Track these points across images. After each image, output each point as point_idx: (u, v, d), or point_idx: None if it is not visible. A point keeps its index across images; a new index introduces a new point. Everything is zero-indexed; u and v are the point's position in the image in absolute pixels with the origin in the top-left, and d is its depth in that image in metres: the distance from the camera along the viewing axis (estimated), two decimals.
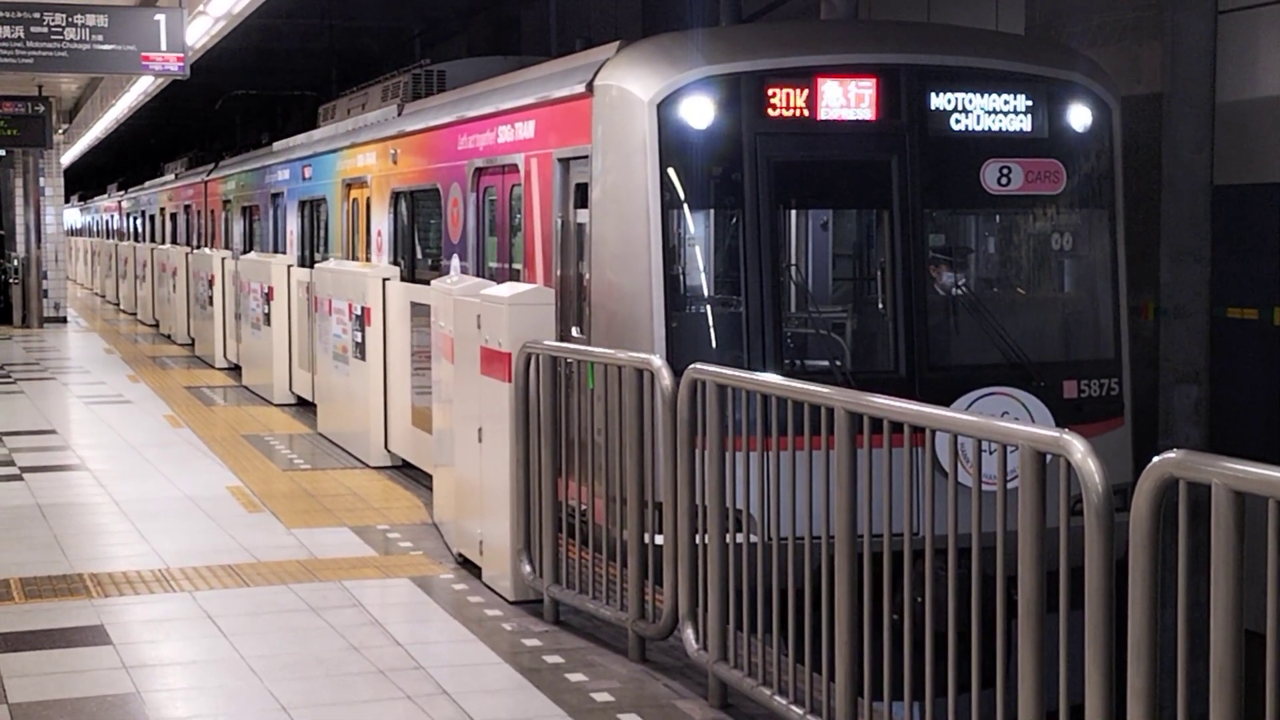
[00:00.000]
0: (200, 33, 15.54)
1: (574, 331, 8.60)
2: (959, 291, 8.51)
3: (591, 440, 6.86)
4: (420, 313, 10.83)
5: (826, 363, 8.11)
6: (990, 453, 4.22)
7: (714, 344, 8.05)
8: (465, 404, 7.98)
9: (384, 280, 11.84)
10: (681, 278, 8.18)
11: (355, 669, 6.37)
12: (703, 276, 8.37)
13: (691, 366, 5.92)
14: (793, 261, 9.03)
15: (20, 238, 28.20)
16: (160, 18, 13.40)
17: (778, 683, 5.37)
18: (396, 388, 11.56)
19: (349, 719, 5.79)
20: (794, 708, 5.25)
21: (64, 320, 28.36)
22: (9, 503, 10.22)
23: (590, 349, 7.54)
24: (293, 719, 5.74)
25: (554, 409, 6.97)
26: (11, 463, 11.95)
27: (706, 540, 5.80)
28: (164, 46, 13.36)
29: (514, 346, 7.20)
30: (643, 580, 6.37)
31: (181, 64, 13.58)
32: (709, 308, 8.25)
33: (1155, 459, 3.43)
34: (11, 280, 27.64)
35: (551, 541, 7.00)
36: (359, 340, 12.12)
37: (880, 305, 8.54)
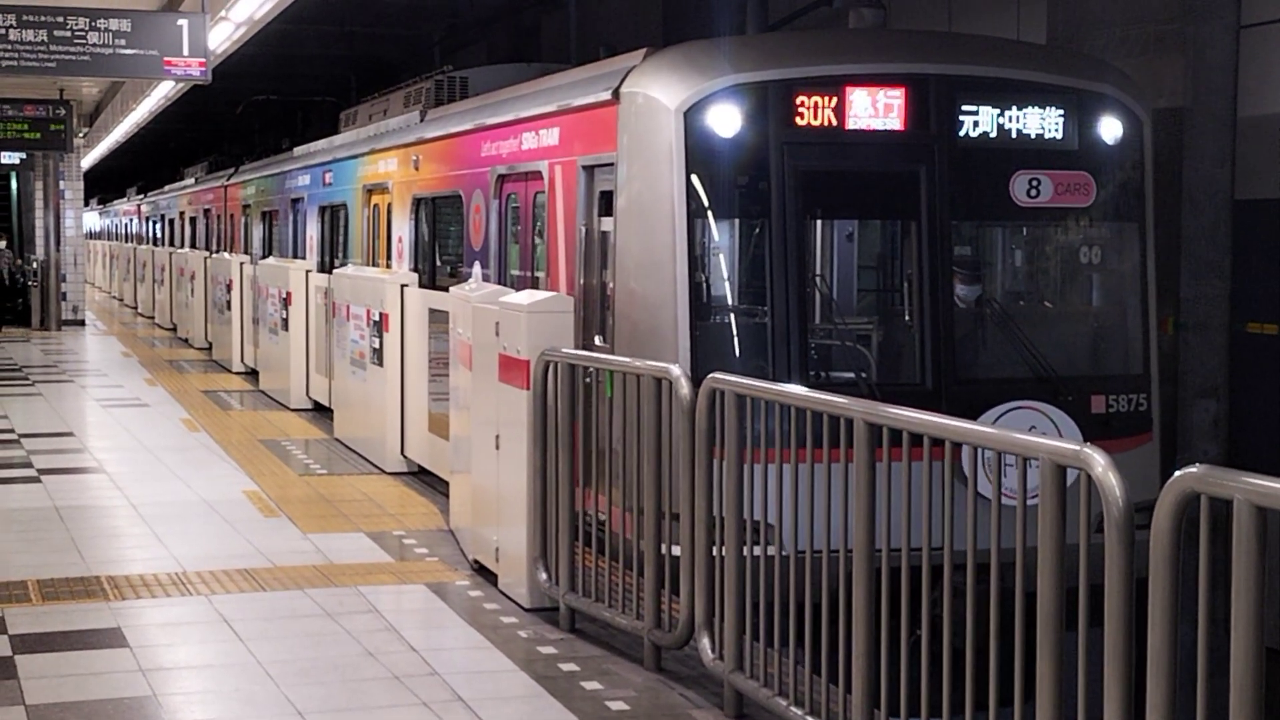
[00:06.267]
0: (222, 38, 15.58)
1: (596, 340, 8.53)
2: (986, 305, 8.40)
3: (609, 449, 6.85)
4: (438, 319, 10.84)
5: (852, 374, 8.02)
6: (1013, 466, 4.20)
7: (738, 354, 7.96)
8: (483, 411, 7.98)
9: (402, 286, 11.86)
10: (706, 287, 8.08)
11: (370, 674, 6.38)
12: (728, 286, 8.29)
13: (710, 376, 5.92)
14: (818, 272, 8.90)
15: (39, 240, 28.30)
16: (183, 23, 13.42)
17: (794, 693, 5.36)
18: (413, 394, 11.57)
19: None
20: (809, 718, 5.24)
21: (82, 323, 28.45)
22: (27, 504, 10.25)
23: (609, 357, 7.54)
24: None
25: (572, 417, 6.97)
26: (29, 464, 11.98)
27: (724, 552, 5.79)
28: (186, 51, 13.38)
29: (532, 354, 7.21)
30: (659, 589, 6.36)
31: (203, 69, 13.60)
32: (734, 318, 8.17)
33: (1177, 473, 3.42)
34: (30, 283, 27.73)
35: (568, 549, 7.00)
36: (376, 346, 12.14)
37: (907, 317, 8.43)
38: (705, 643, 5.95)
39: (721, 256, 8.29)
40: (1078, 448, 3.89)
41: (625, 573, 6.73)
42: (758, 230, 8.13)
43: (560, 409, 7.01)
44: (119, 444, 13.23)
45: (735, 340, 8.10)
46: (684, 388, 6.05)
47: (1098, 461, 3.78)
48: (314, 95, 27.87)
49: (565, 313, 7.46)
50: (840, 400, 5.15)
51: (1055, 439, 4.10)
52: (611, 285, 8.33)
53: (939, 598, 4.57)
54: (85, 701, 5.96)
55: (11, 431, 13.87)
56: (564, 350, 7.10)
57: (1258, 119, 10.15)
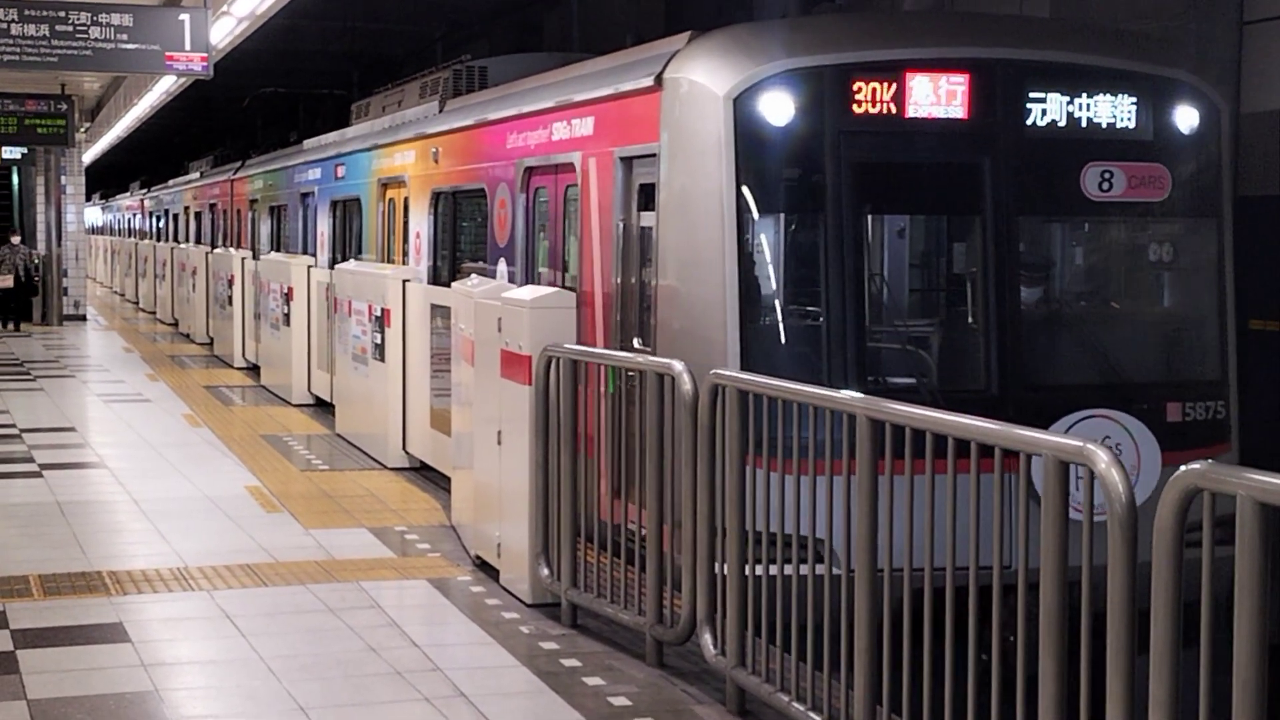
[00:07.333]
0: (223, 33, 15.59)
1: (635, 343, 8.08)
2: (1056, 306, 7.98)
3: (609, 446, 6.83)
4: (440, 315, 10.81)
5: (912, 380, 7.56)
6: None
7: (791, 358, 7.49)
8: (485, 407, 7.98)
9: (404, 282, 11.85)
10: (757, 287, 7.56)
11: (373, 670, 6.38)
12: (780, 286, 7.76)
13: (712, 371, 5.90)
14: (877, 271, 8.22)
15: (41, 236, 28.30)
16: (185, 17, 13.44)
17: (795, 689, 5.36)
18: (415, 390, 11.57)
19: None
20: (812, 714, 5.24)
21: (83, 318, 28.47)
22: (29, 499, 10.25)
23: (611, 353, 7.53)
24: (310, 719, 5.74)
25: (574, 412, 6.97)
26: (31, 460, 11.99)
27: (739, 559, 5.76)
28: (188, 46, 13.40)
29: (534, 350, 7.20)
30: (661, 585, 6.36)
31: (205, 64, 13.61)
32: (787, 320, 7.69)
33: (1180, 470, 3.42)
34: (34, 278, 27.72)
35: (569, 545, 6.99)
36: (378, 342, 12.14)
37: (970, 319, 7.93)
38: (707, 638, 5.95)
39: (773, 254, 7.72)
40: (1080, 444, 3.89)
41: (627, 569, 6.72)
42: (812, 226, 7.65)
43: (562, 404, 7.01)
44: (121, 439, 13.23)
45: (788, 343, 7.60)
46: (686, 384, 6.04)
47: (1100, 458, 3.78)
48: (316, 90, 27.82)
49: (568, 308, 7.45)
50: (842, 396, 5.14)
51: (1059, 436, 4.06)
52: (653, 285, 7.85)
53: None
54: (87, 696, 5.96)
55: (13, 426, 13.87)
56: (566, 346, 7.09)
57: (1260, 115, 10.13)
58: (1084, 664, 3.97)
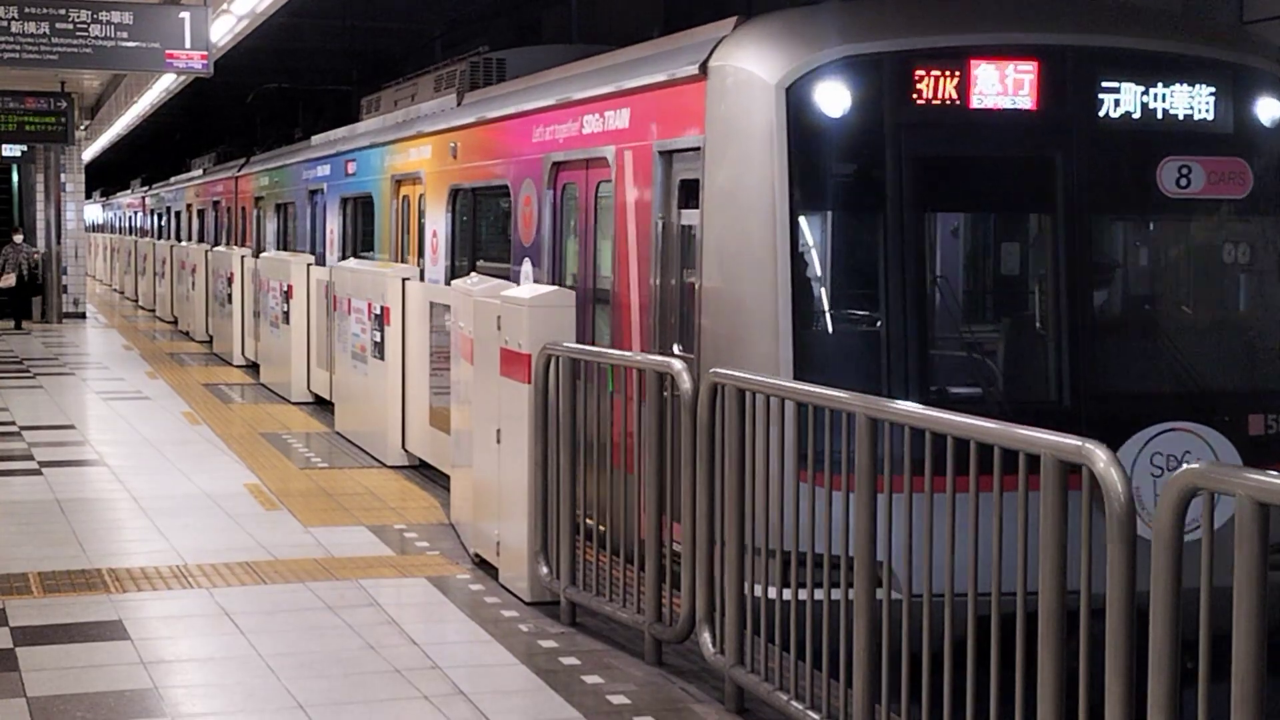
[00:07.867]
0: (223, 31, 15.59)
1: (675, 349, 7.64)
2: (1131, 311, 7.64)
3: (605, 444, 6.83)
4: (439, 313, 10.80)
5: (977, 389, 7.17)
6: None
7: (848, 367, 6.95)
8: (484, 405, 7.99)
9: (403, 280, 11.85)
10: (811, 290, 7.15)
11: (372, 668, 6.38)
12: (836, 289, 7.34)
13: (711, 370, 5.90)
14: (939, 273, 7.61)
15: (41, 233, 28.30)
16: (185, 15, 13.45)
17: (794, 688, 5.37)
18: (414, 388, 11.57)
19: (366, 718, 5.80)
20: (810, 713, 5.24)
21: (83, 316, 28.47)
22: (28, 497, 10.26)
23: (610, 351, 7.52)
24: (310, 717, 5.75)
25: (573, 411, 6.97)
26: (30, 457, 11.99)
27: (738, 559, 5.77)
28: (188, 44, 13.41)
29: (534, 348, 7.21)
30: (660, 583, 6.36)
31: (205, 62, 13.62)
32: (843, 326, 7.28)
33: (1180, 469, 3.43)
34: (37, 278, 27.71)
35: (569, 543, 7.00)
36: (378, 340, 12.14)
37: (1039, 325, 7.47)
38: (706, 637, 5.95)
39: (828, 255, 7.30)
40: (1079, 443, 3.87)
41: (626, 567, 6.72)
42: (870, 224, 7.19)
43: (561, 403, 7.01)
44: (120, 437, 13.23)
45: (844, 351, 7.18)
46: (685, 382, 6.03)
47: (1099, 456, 3.77)
48: (319, 87, 27.79)
49: (567, 307, 7.45)
50: (842, 395, 5.14)
51: (1057, 435, 4.04)
52: (697, 287, 7.39)
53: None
54: (87, 694, 5.97)
55: (13, 424, 13.88)
56: (565, 344, 7.10)
57: None
58: (1082, 665, 3.98)
